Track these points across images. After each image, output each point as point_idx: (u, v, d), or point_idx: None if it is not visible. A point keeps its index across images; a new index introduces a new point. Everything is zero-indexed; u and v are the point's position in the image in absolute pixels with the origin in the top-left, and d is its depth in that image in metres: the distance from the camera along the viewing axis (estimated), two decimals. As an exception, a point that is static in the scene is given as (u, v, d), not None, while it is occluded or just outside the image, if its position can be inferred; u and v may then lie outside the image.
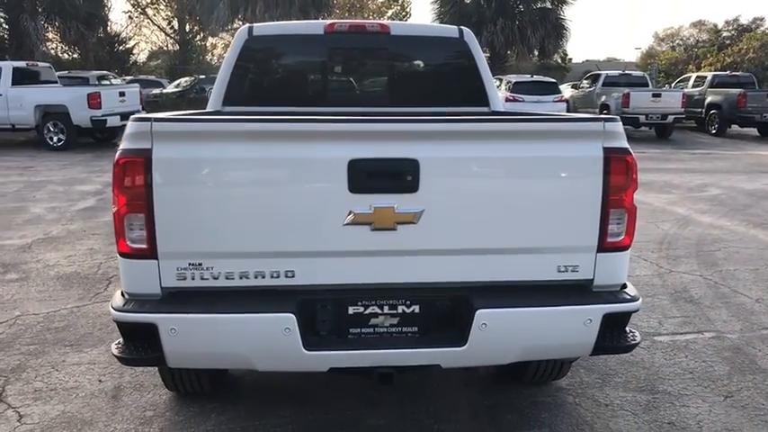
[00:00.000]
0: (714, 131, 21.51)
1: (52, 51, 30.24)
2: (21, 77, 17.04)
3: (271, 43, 4.76)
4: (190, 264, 2.63)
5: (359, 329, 2.72)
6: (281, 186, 2.63)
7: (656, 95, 20.18)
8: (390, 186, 2.63)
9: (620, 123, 2.77)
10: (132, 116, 2.65)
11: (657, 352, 4.30)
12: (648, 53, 54.32)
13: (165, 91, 24.88)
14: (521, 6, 29.25)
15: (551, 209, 2.70)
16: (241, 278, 2.65)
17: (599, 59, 53.34)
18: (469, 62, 4.79)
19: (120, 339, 2.71)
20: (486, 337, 2.62)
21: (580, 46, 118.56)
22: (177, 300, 2.63)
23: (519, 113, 4.13)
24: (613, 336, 2.78)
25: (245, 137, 2.62)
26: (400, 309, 2.73)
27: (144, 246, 2.60)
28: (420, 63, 5.20)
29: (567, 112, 21.44)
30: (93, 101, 16.11)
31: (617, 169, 2.70)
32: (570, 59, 45.37)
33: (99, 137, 17.79)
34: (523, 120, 2.82)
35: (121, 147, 2.59)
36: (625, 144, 2.75)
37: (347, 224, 2.60)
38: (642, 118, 19.75)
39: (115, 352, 2.66)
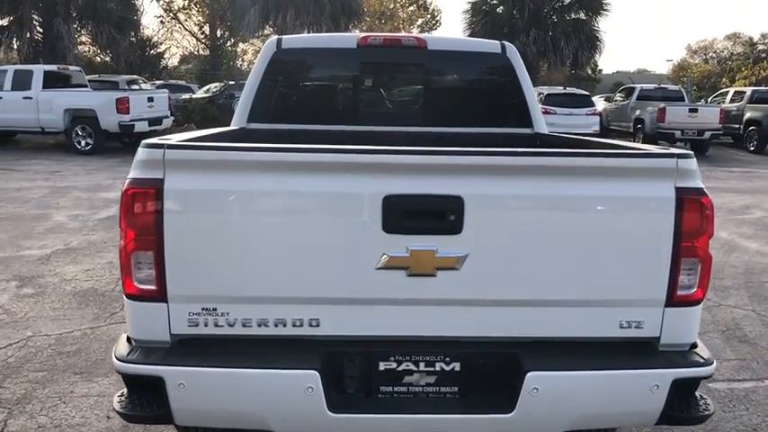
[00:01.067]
0: (752, 148, 20.83)
1: (85, 55, 30.50)
2: (51, 81, 17.10)
3: (300, 56, 4.49)
4: (203, 309, 2.34)
5: (390, 388, 2.41)
6: (307, 224, 2.33)
7: (693, 110, 19.61)
8: (430, 227, 2.32)
9: (695, 160, 2.42)
10: (143, 141, 2.36)
11: (714, 402, 3.91)
12: (680, 65, 53.52)
13: (194, 96, 24.82)
14: (554, 17, 28.78)
15: (614, 256, 2.37)
16: (260, 326, 2.36)
17: (629, 71, 52.63)
18: (512, 79, 4.47)
19: (124, 390, 2.43)
20: (538, 403, 2.29)
21: (610, 57, 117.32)
22: (187, 350, 2.34)
23: (575, 142, 3.78)
24: (682, 404, 2.43)
25: (268, 168, 2.33)
26: (438, 366, 2.41)
27: (153, 287, 2.32)
28: (458, 80, 4.89)
29: (600, 125, 20.96)
30: (122, 106, 16.08)
31: (691, 212, 2.36)
32: (600, 70, 44.76)
33: (127, 141, 17.72)
34: (585, 154, 2.48)
35: (130, 175, 2.31)
36: (700, 184, 2.41)
37: (380, 268, 2.30)
38: (678, 133, 19.17)
39: (117, 407, 2.37)
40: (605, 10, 28.01)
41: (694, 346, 2.49)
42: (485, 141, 4.32)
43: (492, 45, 4.59)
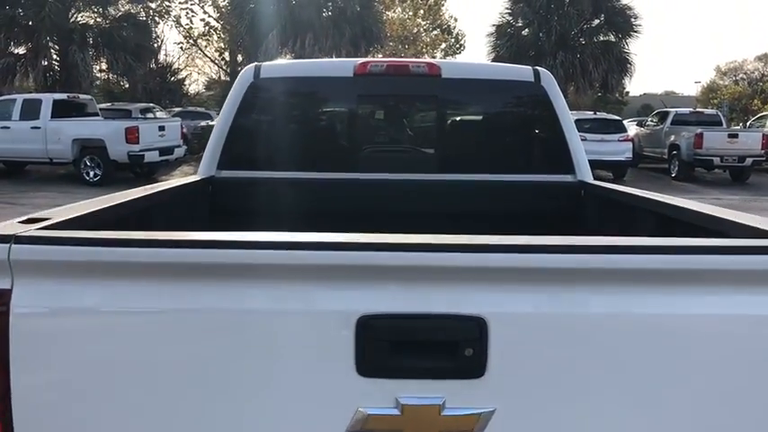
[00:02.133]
0: (797, 175, 19.66)
1: (105, 83, 30.29)
2: (61, 110, 16.60)
3: (284, 87, 3.64)
4: None
5: None
6: (239, 363, 1.46)
7: (733, 136, 18.56)
8: (434, 367, 1.45)
9: None
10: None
11: None
12: (710, 87, 52.50)
13: (210, 123, 24.31)
14: (582, 39, 27.84)
15: (736, 409, 1.46)
16: None
17: (656, 93, 51.68)
18: (548, 114, 3.59)
19: None
20: None
21: (636, 79, 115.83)
22: None
23: (640, 200, 2.87)
24: None
25: (179, 272, 1.47)
26: None
27: None
28: (480, 115, 4.01)
29: (633, 152, 19.92)
30: (131, 135, 15.51)
31: None
32: (627, 93, 43.82)
33: (138, 171, 17.11)
34: (699, 249, 1.55)
35: None
36: None
37: (353, 433, 1.43)
38: (717, 160, 18.11)
39: None
40: (636, 31, 27.05)
41: None
42: (513, 193, 3.44)
43: (522, 72, 3.72)
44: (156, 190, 2.88)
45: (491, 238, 1.51)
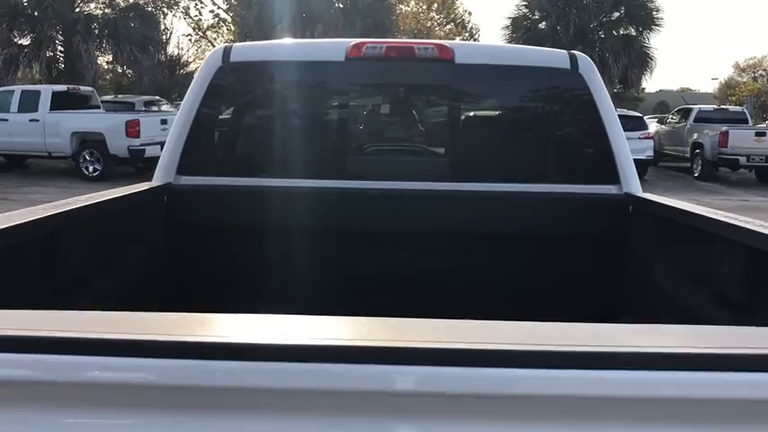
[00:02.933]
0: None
1: (109, 76, 29.80)
2: (61, 102, 16.05)
3: (258, 74, 2.96)
4: None
5: None
6: None
7: (760, 134, 17.70)
8: None
9: None
10: None
11: None
12: (727, 84, 51.55)
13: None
14: (601, 33, 27.01)
15: None
16: None
17: (672, 89, 50.86)
18: (588, 109, 2.90)
19: None
20: None
21: (653, 75, 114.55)
22: None
23: (710, 222, 2.16)
24: None
25: None
26: None
27: None
28: (502, 109, 3.31)
29: (654, 149, 19.14)
30: (132, 129, 14.93)
31: None
32: (643, 89, 43.06)
33: (140, 166, 16.51)
34: None
35: None
36: None
37: None
38: (743, 159, 17.34)
39: None
40: (657, 25, 26.23)
41: None
42: (542, 209, 2.75)
43: (556, 57, 3.01)
44: (90, 202, 2.27)
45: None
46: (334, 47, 2.94)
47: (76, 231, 2.16)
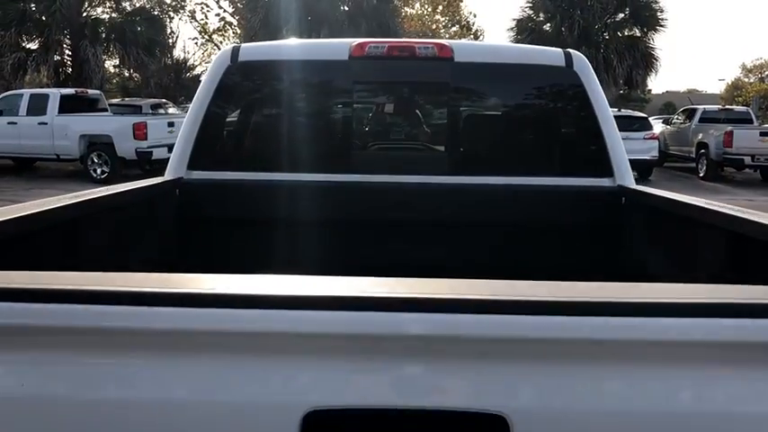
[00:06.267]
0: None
1: (116, 79, 30.03)
2: (69, 105, 16.22)
3: (266, 73, 3.09)
4: None
5: None
6: None
7: (765, 134, 17.73)
8: None
9: None
10: None
11: None
12: (734, 85, 51.57)
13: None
14: (606, 34, 27.05)
15: None
16: None
17: (679, 90, 50.87)
18: (582, 105, 3.01)
19: None
20: None
21: (659, 76, 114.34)
22: None
23: (696, 211, 2.26)
24: None
25: None
26: None
27: None
28: (500, 106, 3.42)
29: (659, 150, 19.20)
30: (139, 131, 15.09)
31: None
32: (650, 90, 43.06)
33: (148, 168, 16.68)
34: None
35: None
36: None
37: None
38: (748, 159, 17.36)
39: None
40: (662, 26, 26.26)
41: None
42: (537, 200, 2.86)
43: (551, 55, 3.13)
44: (108, 192, 2.38)
45: (516, 285, 0.94)
46: (338, 46, 3.06)
47: (94, 221, 2.27)
